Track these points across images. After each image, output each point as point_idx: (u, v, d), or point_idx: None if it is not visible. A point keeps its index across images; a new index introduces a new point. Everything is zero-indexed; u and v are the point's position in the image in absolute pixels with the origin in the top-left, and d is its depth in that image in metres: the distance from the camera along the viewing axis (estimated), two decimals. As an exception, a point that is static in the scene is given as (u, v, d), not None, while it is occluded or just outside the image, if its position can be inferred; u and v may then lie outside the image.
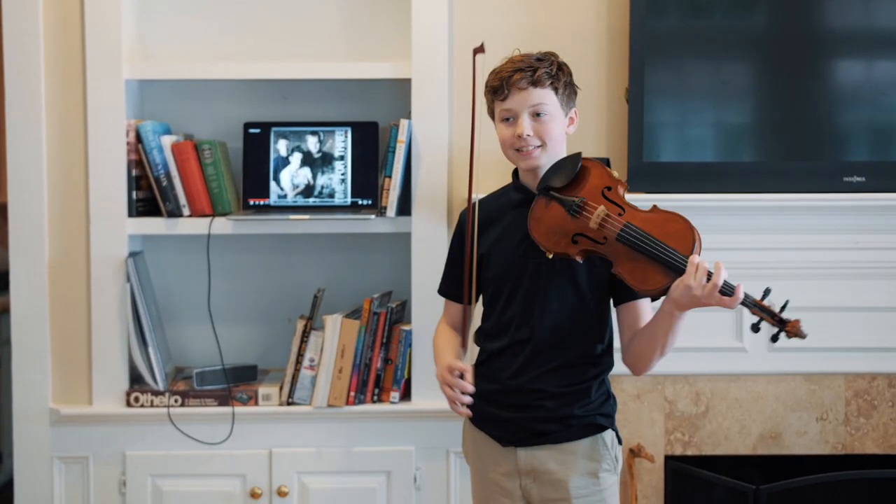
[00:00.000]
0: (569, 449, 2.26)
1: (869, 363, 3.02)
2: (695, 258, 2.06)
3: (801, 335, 2.04)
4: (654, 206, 2.18)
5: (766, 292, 2.07)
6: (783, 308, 2.05)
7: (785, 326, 2.04)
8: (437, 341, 2.40)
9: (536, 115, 2.21)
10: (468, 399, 2.20)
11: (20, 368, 3.00)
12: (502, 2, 2.99)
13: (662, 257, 2.09)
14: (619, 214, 2.15)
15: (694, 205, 2.89)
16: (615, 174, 2.22)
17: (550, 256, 2.19)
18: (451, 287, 2.41)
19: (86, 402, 3.02)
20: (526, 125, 2.20)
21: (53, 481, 2.99)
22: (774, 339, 2.08)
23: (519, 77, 2.19)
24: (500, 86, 2.22)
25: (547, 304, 2.24)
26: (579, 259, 2.19)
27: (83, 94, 2.96)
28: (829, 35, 2.94)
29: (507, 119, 2.23)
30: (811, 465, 3.03)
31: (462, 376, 2.20)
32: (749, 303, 2.04)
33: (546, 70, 2.20)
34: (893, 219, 2.93)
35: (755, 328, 2.08)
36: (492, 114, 2.30)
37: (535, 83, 2.19)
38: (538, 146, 2.21)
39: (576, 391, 2.25)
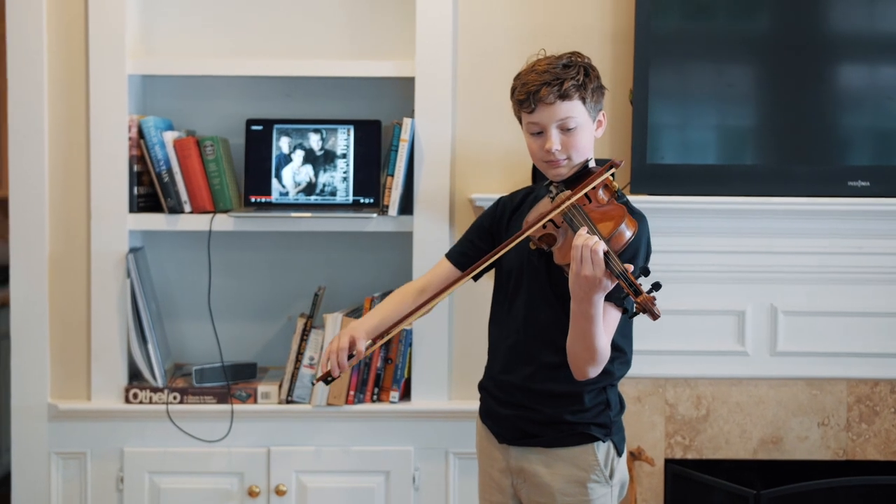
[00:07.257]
0: (558, 454, 2.25)
1: (871, 369, 3.01)
2: (584, 230, 2.01)
3: (651, 311, 1.92)
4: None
5: (644, 272, 2.01)
6: (653, 289, 1.96)
7: (637, 297, 1.94)
8: (388, 298, 2.40)
9: (565, 128, 2.17)
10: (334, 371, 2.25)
11: (19, 363, 2.99)
12: (507, 1, 2.98)
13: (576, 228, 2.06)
14: (584, 204, 2.12)
15: (697, 207, 2.89)
16: (607, 177, 2.16)
17: (533, 247, 2.17)
18: (459, 250, 2.39)
19: (84, 397, 3.01)
20: (555, 140, 2.17)
21: (51, 476, 2.99)
22: (629, 313, 2.03)
23: (546, 92, 2.14)
24: (526, 99, 2.17)
25: (533, 304, 2.23)
26: (532, 246, 2.16)
27: (86, 88, 2.95)
28: (834, 39, 2.93)
29: (535, 133, 2.20)
30: (812, 471, 3.02)
31: (351, 357, 2.25)
32: (617, 272, 1.96)
33: (573, 81, 2.15)
34: (897, 224, 2.93)
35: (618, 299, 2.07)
36: (518, 117, 2.27)
37: (563, 97, 2.15)
38: (566, 158, 2.19)
39: (567, 396, 2.23)
